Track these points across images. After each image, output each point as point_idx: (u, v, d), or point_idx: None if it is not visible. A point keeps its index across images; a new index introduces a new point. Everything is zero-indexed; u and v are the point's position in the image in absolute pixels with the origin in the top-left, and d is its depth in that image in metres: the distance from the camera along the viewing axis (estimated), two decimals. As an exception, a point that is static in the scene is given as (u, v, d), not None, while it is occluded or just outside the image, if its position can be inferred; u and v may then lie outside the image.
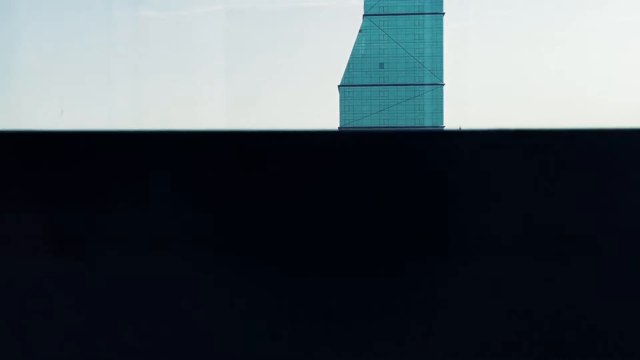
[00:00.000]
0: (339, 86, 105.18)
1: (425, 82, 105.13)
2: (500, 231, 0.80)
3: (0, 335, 0.83)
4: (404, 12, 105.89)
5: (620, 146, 0.78)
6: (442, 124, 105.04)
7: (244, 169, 0.79)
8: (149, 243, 0.81)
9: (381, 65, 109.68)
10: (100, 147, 0.83)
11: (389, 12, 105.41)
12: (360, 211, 0.81)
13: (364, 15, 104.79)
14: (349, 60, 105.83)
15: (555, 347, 0.81)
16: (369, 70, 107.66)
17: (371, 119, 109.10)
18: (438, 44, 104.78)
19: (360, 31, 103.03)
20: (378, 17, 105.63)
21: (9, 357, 0.83)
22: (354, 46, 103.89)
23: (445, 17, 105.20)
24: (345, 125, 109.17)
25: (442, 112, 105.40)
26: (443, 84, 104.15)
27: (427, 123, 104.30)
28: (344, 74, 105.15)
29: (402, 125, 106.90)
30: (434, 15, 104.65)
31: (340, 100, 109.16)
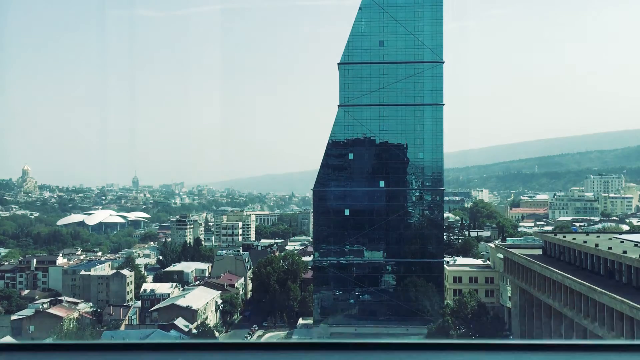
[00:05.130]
0: (338, 64, 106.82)
1: (425, 60, 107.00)
2: None
3: None
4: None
5: None
6: (442, 102, 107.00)
7: None
8: None
9: (381, 43, 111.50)
10: None
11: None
12: None
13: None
14: (349, 38, 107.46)
15: None
16: (368, 48, 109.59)
17: (371, 97, 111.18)
18: (438, 21, 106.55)
19: (360, 9, 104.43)
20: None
21: None
22: (353, 24, 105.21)
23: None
24: (346, 103, 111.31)
25: (441, 90, 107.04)
26: (443, 62, 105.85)
27: (427, 101, 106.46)
28: (344, 52, 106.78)
29: (402, 103, 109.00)
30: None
31: (340, 78, 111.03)
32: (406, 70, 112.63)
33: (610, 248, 66.91)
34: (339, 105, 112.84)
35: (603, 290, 55.71)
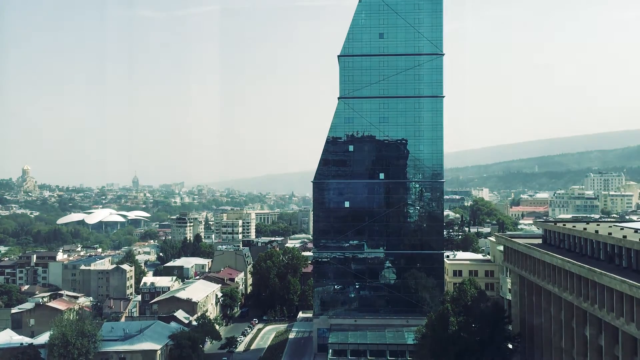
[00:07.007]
0: (338, 56, 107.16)
1: (424, 52, 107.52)
2: None
3: None
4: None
5: None
6: (442, 94, 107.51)
7: None
8: None
9: (381, 35, 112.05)
10: None
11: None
12: None
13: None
14: (349, 31, 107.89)
15: None
16: (368, 40, 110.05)
17: (371, 89, 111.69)
18: (438, 13, 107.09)
19: (360, 1, 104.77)
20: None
21: None
22: (353, 16, 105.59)
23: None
24: (346, 95, 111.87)
25: (441, 82, 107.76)
26: (443, 54, 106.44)
27: (427, 93, 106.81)
28: (344, 45, 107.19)
29: (402, 95, 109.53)
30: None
31: (340, 70, 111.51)
32: (406, 63, 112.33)
33: (610, 234, 66.82)
34: (339, 98, 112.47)
35: (603, 271, 55.74)
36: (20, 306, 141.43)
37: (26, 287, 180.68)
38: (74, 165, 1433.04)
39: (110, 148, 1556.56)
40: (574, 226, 79.05)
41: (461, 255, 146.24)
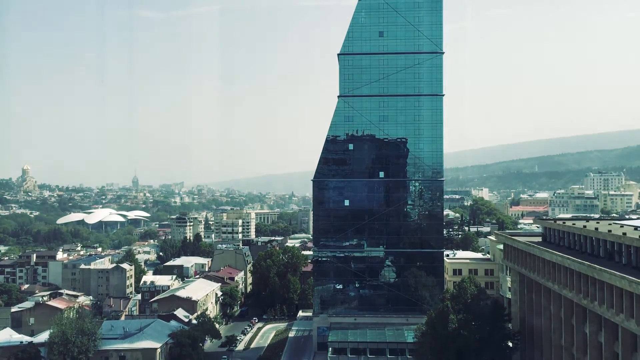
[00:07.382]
0: (338, 55, 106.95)
1: (424, 51, 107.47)
2: None
3: None
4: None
5: None
6: (442, 92, 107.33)
7: None
8: None
9: (381, 33, 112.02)
10: None
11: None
12: None
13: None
14: (349, 29, 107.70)
15: None
16: (368, 38, 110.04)
17: (371, 87, 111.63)
18: (437, 11, 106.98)
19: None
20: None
21: None
22: (353, 15, 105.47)
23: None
24: (346, 94, 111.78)
25: (441, 81, 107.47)
26: (442, 52, 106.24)
27: (426, 91, 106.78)
28: (344, 43, 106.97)
29: (402, 94, 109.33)
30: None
31: (340, 68, 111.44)
32: (406, 61, 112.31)
33: (610, 232, 66.81)
34: (338, 96, 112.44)
35: (603, 268, 55.77)
36: (20, 305, 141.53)
37: (26, 286, 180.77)
38: (74, 165, 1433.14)
39: (110, 148, 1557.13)
40: (573, 224, 79.06)
41: (461, 254, 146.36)
